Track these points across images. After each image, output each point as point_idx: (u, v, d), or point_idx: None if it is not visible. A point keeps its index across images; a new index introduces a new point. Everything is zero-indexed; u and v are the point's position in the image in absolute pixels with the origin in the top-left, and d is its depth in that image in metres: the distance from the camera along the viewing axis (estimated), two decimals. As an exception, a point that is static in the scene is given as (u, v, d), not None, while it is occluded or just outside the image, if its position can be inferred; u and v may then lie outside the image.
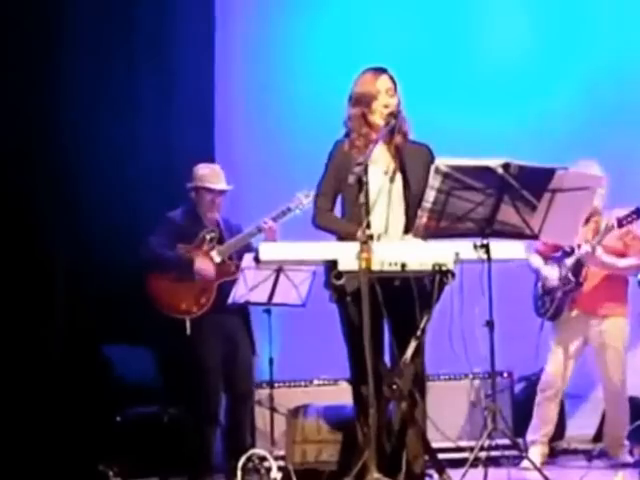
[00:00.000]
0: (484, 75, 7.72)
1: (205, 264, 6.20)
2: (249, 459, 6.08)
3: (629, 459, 6.35)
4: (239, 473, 5.98)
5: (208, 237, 6.28)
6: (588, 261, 6.28)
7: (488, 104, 7.63)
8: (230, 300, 6.14)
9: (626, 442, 6.41)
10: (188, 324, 6.15)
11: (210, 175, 6.29)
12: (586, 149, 6.49)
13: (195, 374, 6.19)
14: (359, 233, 4.48)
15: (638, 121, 7.49)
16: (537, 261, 6.48)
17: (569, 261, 6.34)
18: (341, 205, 4.91)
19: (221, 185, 6.30)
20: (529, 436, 6.48)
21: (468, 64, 7.74)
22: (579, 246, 6.26)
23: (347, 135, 4.94)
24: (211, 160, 6.90)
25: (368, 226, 4.56)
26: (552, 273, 6.42)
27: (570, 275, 6.32)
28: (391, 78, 4.93)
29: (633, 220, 6.03)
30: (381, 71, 4.94)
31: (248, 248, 6.19)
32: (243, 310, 6.36)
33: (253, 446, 6.34)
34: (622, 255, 6.34)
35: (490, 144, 7.03)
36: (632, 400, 6.55)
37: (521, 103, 7.65)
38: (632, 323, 6.48)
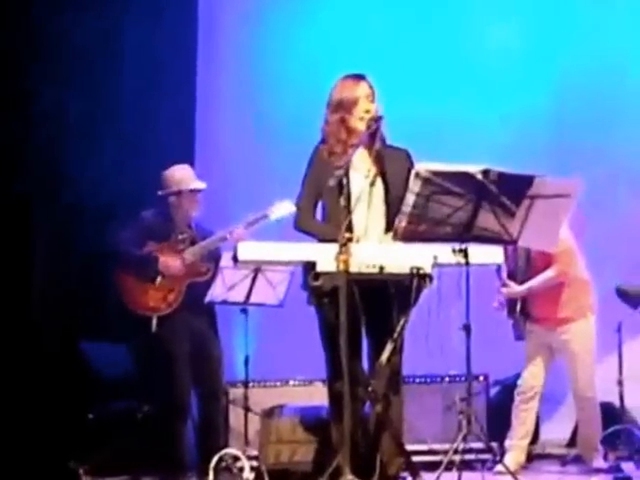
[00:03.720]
0: (473, 72, 7.74)
1: (172, 260, 6.18)
2: (222, 459, 6.07)
3: (603, 464, 6.32)
4: (211, 473, 5.98)
5: (181, 237, 6.27)
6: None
7: (475, 101, 7.66)
8: (207, 299, 6.15)
9: (600, 447, 6.38)
10: (154, 321, 6.14)
11: (188, 177, 6.29)
12: (569, 149, 6.51)
13: (163, 370, 6.17)
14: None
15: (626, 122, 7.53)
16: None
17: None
18: (321, 212, 4.90)
19: (200, 183, 6.30)
20: (507, 441, 6.42)
21: (457, 61, 7.76)
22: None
23: (323, 141, 4.91)
24: (190, 160, 6.90)
25: (349, 228, 4.58)
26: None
27: (505, 305, 6.43)
28: (370, 85, 4.92)
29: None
30: (360, 77, 4.92)
31: (218, 252, 6.21)
32: (210, 310, 6.36)
33: (226, 446, 6.33)
34: (549, 262, 6.24)
35: (474, 139, 7.12)
36: (606, 406, 6.55)
37: (506, 100, 7.69)
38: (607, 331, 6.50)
